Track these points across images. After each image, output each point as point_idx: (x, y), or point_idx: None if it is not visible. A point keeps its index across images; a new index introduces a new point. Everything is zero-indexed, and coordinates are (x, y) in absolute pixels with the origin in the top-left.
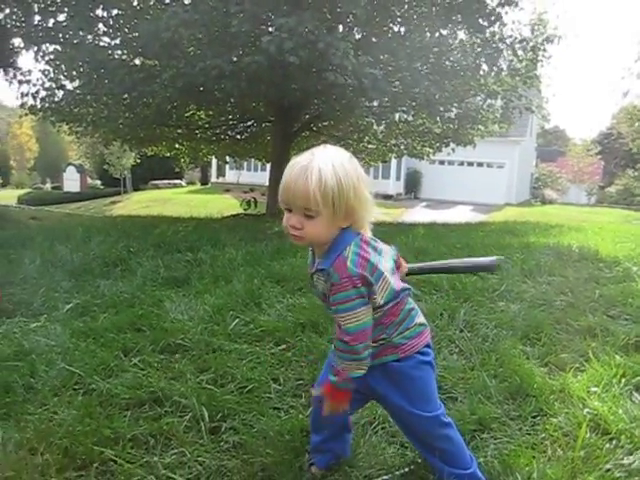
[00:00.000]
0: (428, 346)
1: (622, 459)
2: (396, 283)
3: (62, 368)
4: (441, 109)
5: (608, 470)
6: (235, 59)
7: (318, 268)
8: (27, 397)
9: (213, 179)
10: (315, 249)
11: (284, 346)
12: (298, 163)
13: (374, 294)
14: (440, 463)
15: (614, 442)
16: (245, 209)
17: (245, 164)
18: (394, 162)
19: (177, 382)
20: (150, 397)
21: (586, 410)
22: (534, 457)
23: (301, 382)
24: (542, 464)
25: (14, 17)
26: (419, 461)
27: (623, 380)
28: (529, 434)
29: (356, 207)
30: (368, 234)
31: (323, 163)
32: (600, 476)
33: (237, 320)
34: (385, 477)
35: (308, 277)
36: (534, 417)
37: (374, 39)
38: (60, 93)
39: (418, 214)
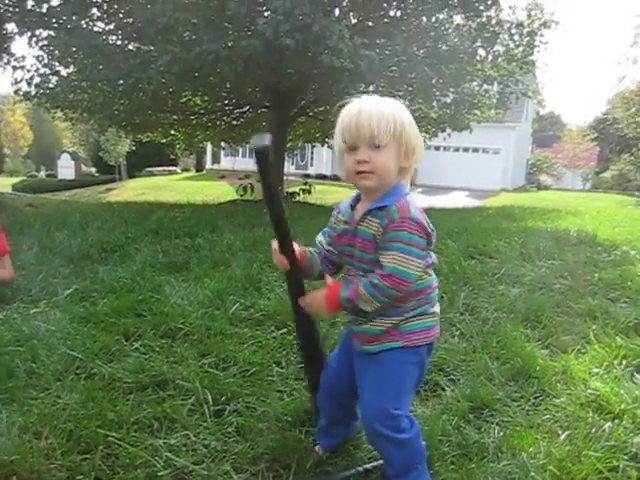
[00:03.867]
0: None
1: (625, 439)
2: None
3: (63, 353)
4: (437, 94)
5: (612, 448)
6: (231, 43)
7: (378, 206)
8: (29, 382)
9: (208, 166)
10: (368, 195)
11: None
12: (356, 104)
13: (429, 249)
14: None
15: (616, 422)
16: (241, 195)
17: (240, 150)
18: None
19: (179, 366)
20: (153, 381)
21: (588, 391)
22: (537, 438)
23: (303, 365)
24: (546, 444)
25: (7, 2)
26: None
27: (624, 362)
28: (532, 414)
29: (416, 147)
30: None
31: (386, 101)
32: (604, 455)
33: (237, 304)
34: None
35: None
36: (536, 398)
37: (370, 23)
38: (54, 79)
39: (414, 199)
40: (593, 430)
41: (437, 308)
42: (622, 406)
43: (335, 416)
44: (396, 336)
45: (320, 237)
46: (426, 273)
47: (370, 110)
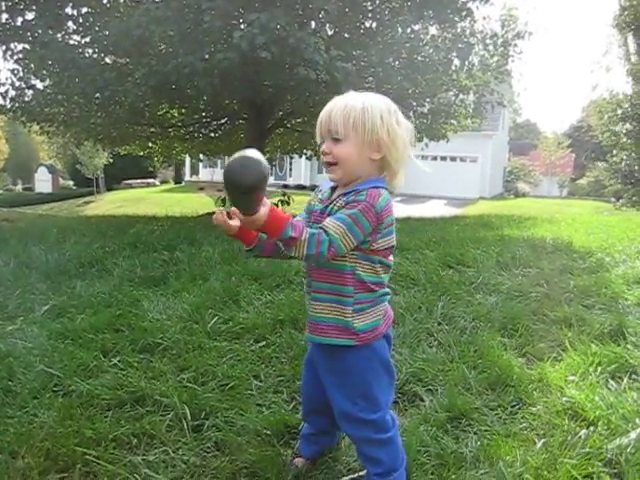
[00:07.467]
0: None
1: (600, 445)
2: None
3: (41, 370)
4: (414, 104)
5: (587, 455)
6: (207, 56)
7: (351, 190)
8: (6, 400)
9: (187, 177)
10: (342, 187)
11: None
12: (332, 99)
13: (373, 241)
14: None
15: (592, 429)
16: (220, 207)
17: (219, 162)
18: None
19: (158, 381)
20: (131, 397)
21: (564, 398)
22: (514, 446)
23: (282, 378)
24: (523, 452)
25: None
26: None
27: (599, 368)
28: (509, 423)
29: (385, 141)
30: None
31: (353, 94)
32: (579, 462)
33: (216, 318)
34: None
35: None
36: (513, 407)
37: (346, 35)
38: (30, 92)
39: (392, 209)
40: (569, 437)
41: (385, 306)
42: (597, 413)
43: (321, 426)
44: (347, 334)
45: (299, 217)
46: (379, 270)
47: (335, 104)
